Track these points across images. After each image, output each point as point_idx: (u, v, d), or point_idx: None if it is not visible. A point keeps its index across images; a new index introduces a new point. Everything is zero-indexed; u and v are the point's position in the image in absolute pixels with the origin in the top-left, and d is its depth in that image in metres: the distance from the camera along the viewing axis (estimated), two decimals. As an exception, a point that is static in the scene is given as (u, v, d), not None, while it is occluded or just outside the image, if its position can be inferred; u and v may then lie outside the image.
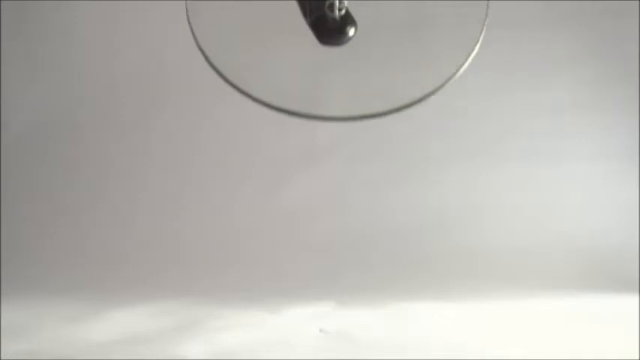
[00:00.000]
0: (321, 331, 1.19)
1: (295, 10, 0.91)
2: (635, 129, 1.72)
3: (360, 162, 1.75)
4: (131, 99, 1.89)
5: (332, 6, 0.90)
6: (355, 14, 0.92)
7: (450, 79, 0.85)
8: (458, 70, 0.86)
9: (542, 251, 1.61)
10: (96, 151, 1.88)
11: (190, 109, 1.85)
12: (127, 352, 1.08)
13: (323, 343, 1.12)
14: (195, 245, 1.71)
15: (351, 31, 0.91)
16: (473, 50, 0.87)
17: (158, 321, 1.25)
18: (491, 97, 1.77)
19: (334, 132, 1.73)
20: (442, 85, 0.85)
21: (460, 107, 1.77)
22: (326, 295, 1.43)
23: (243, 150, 1.79)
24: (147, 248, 1.72)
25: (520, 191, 1.74)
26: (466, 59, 0.86)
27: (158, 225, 1.78)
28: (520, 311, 1.30)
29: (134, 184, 1.84)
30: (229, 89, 0.86)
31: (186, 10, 0.91)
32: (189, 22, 0.90)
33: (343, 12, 0.91)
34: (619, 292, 1.39)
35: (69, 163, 1.88)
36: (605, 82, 1.75)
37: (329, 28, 0.91)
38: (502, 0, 1.76)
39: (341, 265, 1.57)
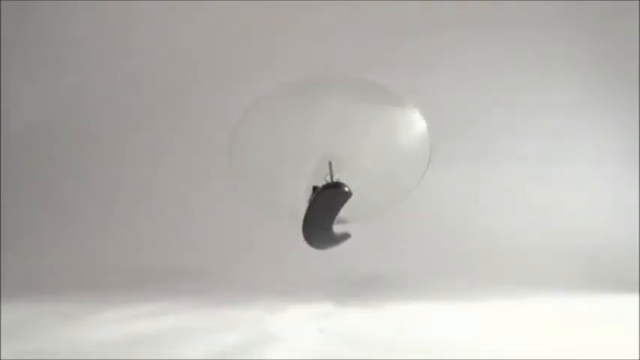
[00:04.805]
0: (321, 331, 1.18)
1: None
2: (635, 129, 1.72)
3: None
4: (131, 99, 1.90)
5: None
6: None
7: None
8: None
9: (542, 251, 1.61)
10: (96, 152, 1.88)
11: (191, 109, 1.85)
12: (126, 352, 1.08)
13: (323, 343, 1.12)
14: (195, 245, 1.71)
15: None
16: None
17: (158, 321, 1.25)
18: (490, 97, 1.77)
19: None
20: None
21: (459, 107, 1.77)
22: (326, 295, 1.43)
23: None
24: (147, 248, 1.72)
25: (520, 191, 1.74)
26: None
27: (158, 225, 1.78)
28: (519, 311, 1.30)
29: (134, 184, 1.84)
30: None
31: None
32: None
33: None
34: (619, 292, 1.39)
35: (69, 164, 1.88)
36: (605, 82, 1.75)
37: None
38: (502, 0, 1.77)
39: (341, 265, 1.57)
